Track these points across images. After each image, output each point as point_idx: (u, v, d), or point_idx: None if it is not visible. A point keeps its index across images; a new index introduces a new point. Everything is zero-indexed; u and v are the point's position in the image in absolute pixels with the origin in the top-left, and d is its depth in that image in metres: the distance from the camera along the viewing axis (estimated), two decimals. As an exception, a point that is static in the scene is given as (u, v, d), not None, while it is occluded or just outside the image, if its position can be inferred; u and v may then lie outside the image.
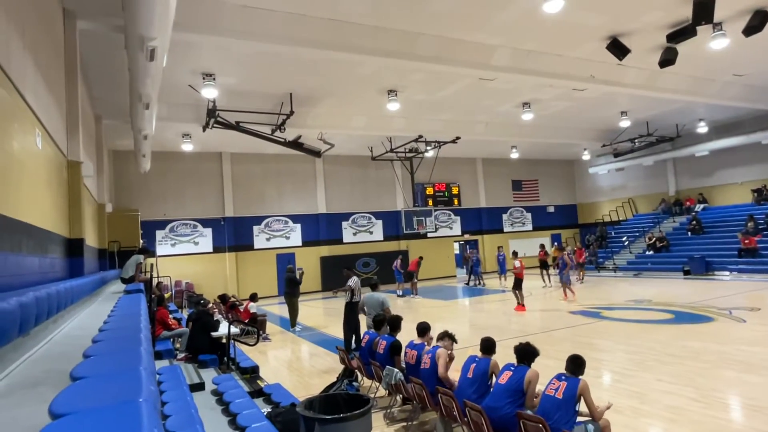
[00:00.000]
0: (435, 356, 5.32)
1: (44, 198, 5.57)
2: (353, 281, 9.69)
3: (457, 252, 28.23)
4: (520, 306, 13.72)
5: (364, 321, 8.85)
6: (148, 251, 9.83)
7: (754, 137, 20.47)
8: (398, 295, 18.95)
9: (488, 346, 5.05)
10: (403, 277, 19.50)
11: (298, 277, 12.86)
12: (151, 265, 11.58)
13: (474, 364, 4.90)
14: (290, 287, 12.74)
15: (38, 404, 1.79)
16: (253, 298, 12.26)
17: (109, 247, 12.95)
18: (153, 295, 8.40)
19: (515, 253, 15.29)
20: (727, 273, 18.57)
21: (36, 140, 5.18)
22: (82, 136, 7.98)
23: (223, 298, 13.07)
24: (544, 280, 19.42)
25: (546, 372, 4.45)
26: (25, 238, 4.44)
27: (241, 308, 12.17)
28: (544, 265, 19.65)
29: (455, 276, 26.22)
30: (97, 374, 1.64)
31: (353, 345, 9.27)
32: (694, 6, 9.07)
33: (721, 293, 14.21)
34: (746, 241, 18.78)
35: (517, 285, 13.86)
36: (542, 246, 20.85)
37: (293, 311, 12.72)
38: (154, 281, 9.18)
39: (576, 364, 4.22)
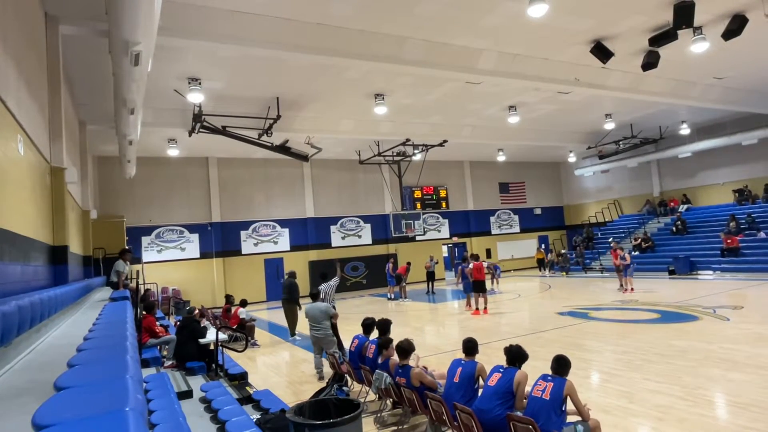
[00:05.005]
0: (411, 379, 5.24)
1: (27, 205, 5.48)
2: (321, 289, 9.23)
3: (446, 255, 28.33)
4: (476, 311, 13.79)
5: (347, 324, 8.55)
6: (126, 252, 9.57)
7: (735, 139, 20.87)
8: (389, 299, 18.96)
9: (470, 347, 5.05)
10: (394, 280, 19.49)
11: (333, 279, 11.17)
12: (137, 272, 11.45)
13: (460, 368, 4.88)
14: (290, 293, 11.89)
15: (21, 415, 1.75)
16: (243, 303, 12.11)
17: (94, 254, 12.77)
18: (141, 302, 8.30)
19: (476, 256, 15.04)
20: (711, 272, 18.87)
21: (18, 146, 5.10)
22: (65, 141, 7.88)
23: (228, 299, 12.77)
24: (428, 289, 20.10)
25: (535, 373, 4.47)
26: (7, 245, 4.36)
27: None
28: (430, 277, 20.28)
29: (444, 279, 26.27)
30: (82, 384, 1.61)
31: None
32: (675, 10, 9.24)
33: (706, 292, 14.43)
34: (729, 241, 19.11)
35: (477, 288, 13.80)
36: (432, 257, 21.07)
37: (293, 319, 11.90)
38: (139, 288, 9.07)
39: (560, 365, 4.24)
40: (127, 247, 10.81)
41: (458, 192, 27.90)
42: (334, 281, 10.01)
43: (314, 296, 8.41)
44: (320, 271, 10.70)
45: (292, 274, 12.33)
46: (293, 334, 11.92)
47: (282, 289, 12.19)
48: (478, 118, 17.94)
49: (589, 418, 4.13)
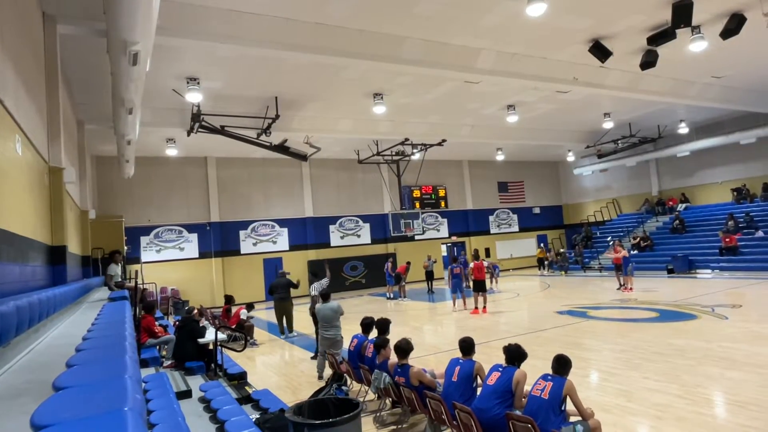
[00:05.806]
0: (410, 378, 5.26)
1: (25, 205, 5.47)
2: (312, 288, 9.32)
3: (445, 254, 28.32)
4: (476, 310, 13.79)
5: (346, 324, 8.51)
6: (116, 254, 9.59)
7: (733, 137, 20.89)
8: (388, 298, 18.96)
9: (466, 346, 5.05)
10: (393, 280, 19.51)
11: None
12: (136, 271, 11.43)
13: (458, 367, 4.88)
14: (289, 291, 12.22)
15: (20, 416, 1.75)
16: (249, 307, 11.98)
17: (92, 254, 12.75)
18: (140, 303, 8.30)
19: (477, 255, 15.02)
20: (710, 271, 18.89)
21: (16, 146, 5.08)
22: (63, 141, 7.85)
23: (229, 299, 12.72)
24: (428, 288, 20.37)
25: (534, 372, 4.48)
26: (5, 245, 4.35)
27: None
28: (429, 276, 20.55)
29: (443, 278, 26.25)
30: (81, 384, 1.61)
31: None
32: (674, 9, 9.25)
33: (704, 291, 14.45)
34: (727, 240, 19.14)
35: (477, 287, 13.79)
36: (429, 256, 21.34)
37: (291, 316, 12.30)
38: (138, 287, 9.05)
39: (561, 364, 4.24)
40: (116, 249, 10.83)
41: (457, 191, 27.90)
42: (324, 281, 10.10)
43: (325, 297, 8.26)
44: (312, 270, 10.77)
45: (285, 274, 12.65)
46: (291, 330, 12.22)
47: (275, 289, 12.25)
48: (477, 117, 17.94)
49: (590, 419, 4.13)
